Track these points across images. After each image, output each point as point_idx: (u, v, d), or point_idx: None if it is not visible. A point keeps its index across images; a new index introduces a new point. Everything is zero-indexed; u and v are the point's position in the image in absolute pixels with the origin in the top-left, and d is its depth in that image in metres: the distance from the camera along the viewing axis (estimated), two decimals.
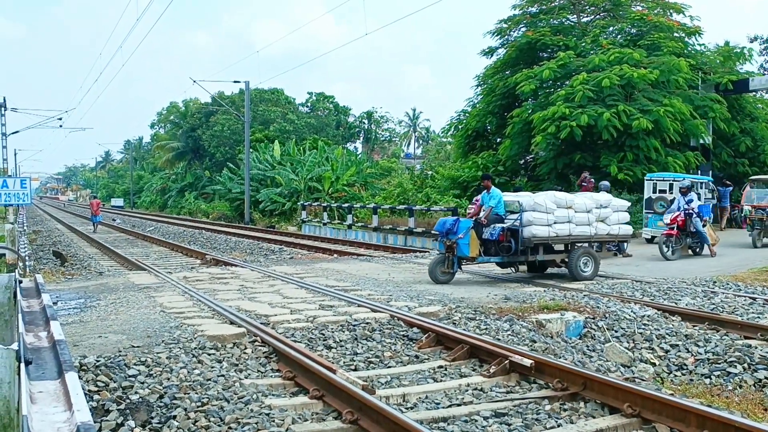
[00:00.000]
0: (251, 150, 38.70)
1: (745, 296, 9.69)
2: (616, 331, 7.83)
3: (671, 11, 24.76)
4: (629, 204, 12.65)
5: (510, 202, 11.87)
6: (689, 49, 23.94)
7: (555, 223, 11.26)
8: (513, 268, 11.91)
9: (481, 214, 11.56)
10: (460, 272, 11.56)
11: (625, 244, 15.97)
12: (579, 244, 11.65)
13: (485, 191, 11.89)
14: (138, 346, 6.57)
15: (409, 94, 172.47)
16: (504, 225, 11.37)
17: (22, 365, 2.76)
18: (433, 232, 11.91)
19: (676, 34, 23.64)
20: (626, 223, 12.17)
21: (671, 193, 17.45)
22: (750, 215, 16.62)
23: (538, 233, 11.10)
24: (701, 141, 22.19)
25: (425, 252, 17.67)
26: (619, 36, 24.72)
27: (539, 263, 11.96)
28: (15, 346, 3.00)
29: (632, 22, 24.15)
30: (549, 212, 11.20)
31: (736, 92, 23.10)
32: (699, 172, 23.48)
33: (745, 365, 6.85)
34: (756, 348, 7.18)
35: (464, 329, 7.47)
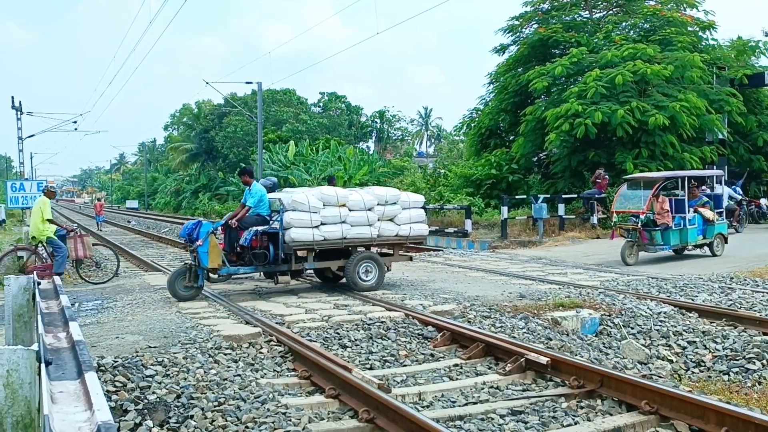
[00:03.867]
0: (264, 150, 38.84)
1: (763, 292, 9.59)
2: (632, 328, 7.79)
3: (684, 5, 24.56)
4: (424, 200, 10.99)
5: (273, 200, 10.07)
6: (703, 43, 23.74)
7: (323, 224, 9.59)
8: (273, 280, 9.96)
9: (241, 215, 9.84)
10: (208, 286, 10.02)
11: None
12: (361, 249, 10.09)
13: (247, 188, 10.13)
14: (155, 347, 6.63)
15: (420, 93, 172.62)
16: (259, 228, 9.65)
17: (43, 366, 2.79)
18: (178, 238, 10.03)
19: (689, 29, 23.44)
20: (421, 222, 10.51)
21: None
22: (620, 224, 13.61)
23: (300, 237, 9.38)
24: (718, 136, 21.98)
25: (439, 251, 17.65)
26: (631, 31, 24.55)
27: (316, 271, 10.52)
28: (35, 346, 3.03)
29: (645, 17, 23.97)
30: (314, 212, 9.49)
31: (751, 87, 22.87)
32: (714, 167, 23.28)
33: (764, 362, 6.79)
34: None
35: (479, 327, 7.46)
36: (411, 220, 10.34)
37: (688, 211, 13.36)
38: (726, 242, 14.17)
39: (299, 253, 9.63)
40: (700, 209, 13.79)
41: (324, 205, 9.66)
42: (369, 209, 9.97)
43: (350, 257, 9.92)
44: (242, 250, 9.66)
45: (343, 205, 9.79)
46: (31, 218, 12.49)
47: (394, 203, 10.24)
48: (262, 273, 10.09)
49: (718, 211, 14.36)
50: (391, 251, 10.69)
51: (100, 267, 14.52)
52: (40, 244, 12.24)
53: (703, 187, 15.97)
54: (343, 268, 9.96)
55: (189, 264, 9.42)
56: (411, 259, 11.58)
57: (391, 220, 10.21)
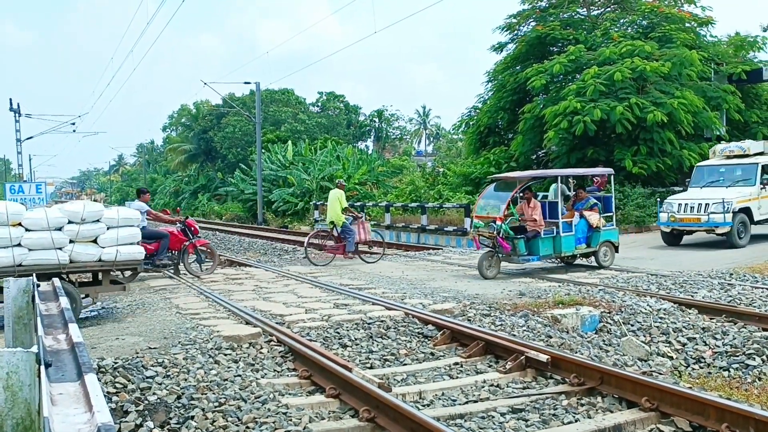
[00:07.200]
0: (263, 151, 38.85)
1: (762, 288, 9.60)
2: (632, 325, 7.80)
3: (682, 1, 24.57)
4: (140, 216, 9.29)
5: None
6: (701, 40, 23.75)
7: None
8: None
9: None
10: None
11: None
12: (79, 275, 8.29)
13: None
14: (155, 348, 6.63)
15: (418, 92, 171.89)
16: None
17: (42, 368, 2.79)
18: None
19: (687, 25, 23.45)
20: (133, 244, 8.64)
21: None
22: (480, 230, 11.53)
23: None
24: (716, 132, 21.99)
25: (438, 249, 17.66)
26: (629, 28, 24.54)
27: None
28: (35, 348, 3.03)
29: (643, 14, 23.97)
30: None
31: (750, 82, 22.91)
32: None
33: (764, 357, 6.81)
34: None
35: (479, 326, 7.46)
36: (119, 242, 8.46)
37: (562, 214, 11.66)
38: (616, 251, 12.17)
39: None
40: (586, 213, 11.87)
41: None
42: (57, 229, 8.14)
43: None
44: None
45: (18, 224, 7.99)
46: (329, 206, 14.38)
47: (96, 221, 8.37)
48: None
49: (608, 215, 12.30)
50: (98, 279, 8.77)
51: (371, 248, 15.85)
52: (334, 228, 14.19)
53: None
54: None
55: None
56: (125, 288, 9.08)
57: (94, 241, 8.39)
